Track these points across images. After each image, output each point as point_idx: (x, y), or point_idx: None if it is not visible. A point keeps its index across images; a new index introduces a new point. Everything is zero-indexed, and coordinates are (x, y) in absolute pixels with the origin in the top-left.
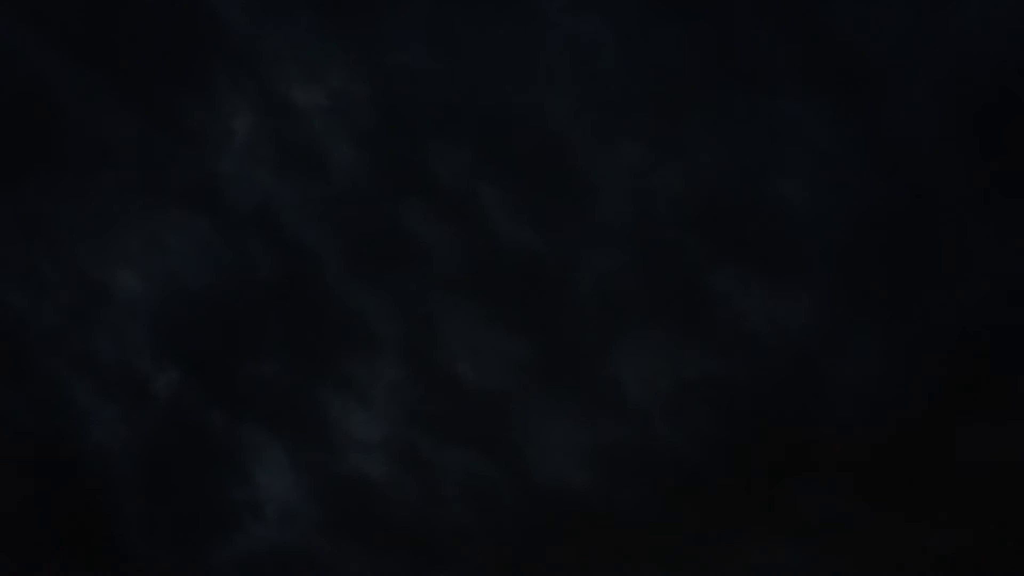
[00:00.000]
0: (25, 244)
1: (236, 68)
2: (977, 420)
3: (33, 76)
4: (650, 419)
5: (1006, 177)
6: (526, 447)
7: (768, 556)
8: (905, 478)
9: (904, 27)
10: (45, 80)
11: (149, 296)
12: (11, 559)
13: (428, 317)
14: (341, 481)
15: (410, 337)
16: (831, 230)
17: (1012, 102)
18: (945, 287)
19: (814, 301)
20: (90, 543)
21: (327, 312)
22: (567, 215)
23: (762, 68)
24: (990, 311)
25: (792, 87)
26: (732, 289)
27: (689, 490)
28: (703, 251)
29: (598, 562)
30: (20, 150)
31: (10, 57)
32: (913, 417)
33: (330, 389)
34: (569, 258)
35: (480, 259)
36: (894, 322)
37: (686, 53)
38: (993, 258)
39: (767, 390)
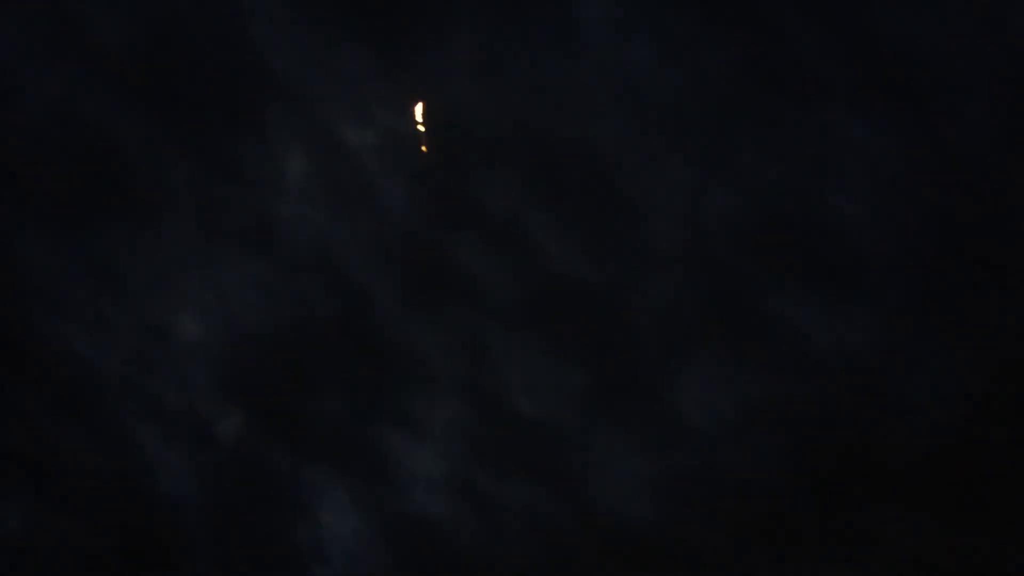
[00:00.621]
0: (92, 291)
1: (288, 111)
2: None
3: (95, 127)
4: (714, 446)
5: None
6: (588, 479)
7: None
8: (979, 496)
9: (957, 36)
10: (106, 130)
11: (211, 340)
12: None
13: (484, 350)
14: (403, 520)
15: (467, 371)
16: (892, 244)
17: None
18: (1012, 297)
19: (877, 317)
20: None
21: (385, 349)
22: (619, 240)
23: (813, 82)
24: None
25: (844, 100)
26: (792, 308)
27: (756, 517)
28: (760, 271)
29: None
30: (85, 199)
31: (73, 109)
32: (985, 433)
33: (390, 426)
34: (623, 284)
35: (534, 289)
36: (962, 336)
37: (733, 70)
38: None
39: (833, 411)
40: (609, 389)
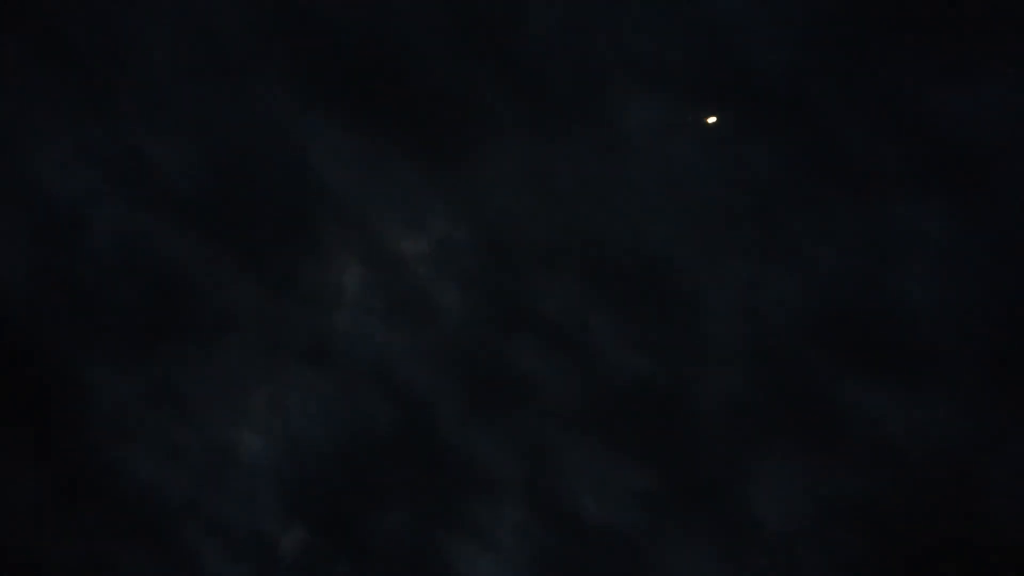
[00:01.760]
0: (156, 414)
1: (344, 227)
2: None
3: (158, 252)
4: (792, 546)
5: None
6: None
7: None
8: None
9: (1010, 115)
10: (168, 255)
11: (273, 456)
12: None
13: (548, 454)
14: None
15: (531, 476)
16: (962, 327)
17: None
18: None
19: (958, 402)
20: None
21: (447, 457)
22: (680, 337)
23: (867, 169)
24: None
25: (901, 185)
26: (864, 398)
27: None
28: (828, 361)
29: None
30: (149, 323)
31: (137, 236)
32: None
33: (455, 537)
34: (687, 381)
35: (595, 390)
36: None
37: (783, 162)
38: None
39: (920, 504)
40: (677, 490)
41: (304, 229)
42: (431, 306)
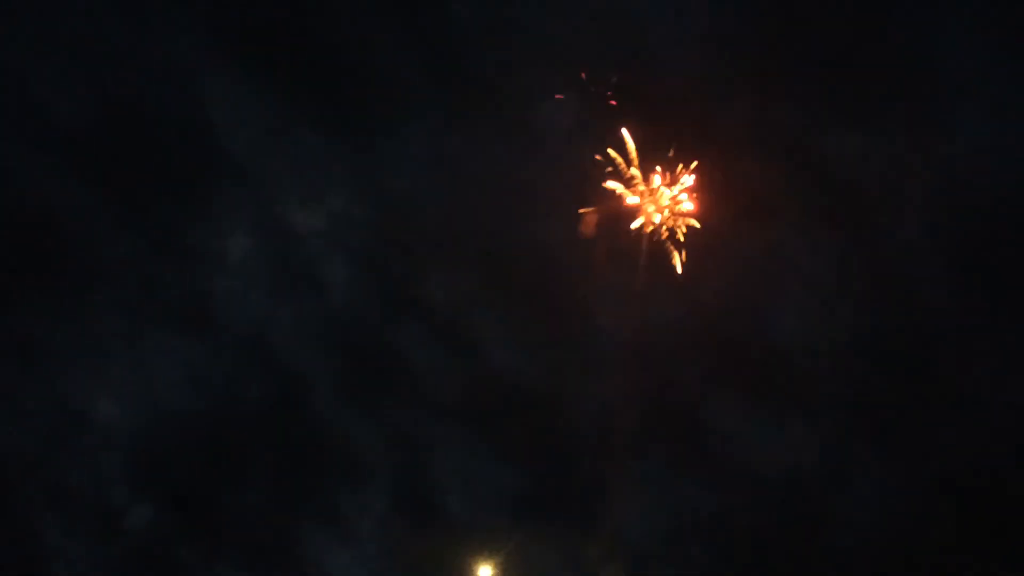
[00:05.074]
0: (10, 369)
1: (237, 190)
2: (983, 555)
3: (35, 196)
4: (647, 557)
5: (1003, 306)
6: None
7: None
8: None
9: (896, 158)
10: (46, 200)
11: (129, 425)
12: None
13: (418, 446)
14: None
15: (399, 467)
16: (827, 360)
17: (1008, 231)
18: (946, 416)
19: (812, 432)
20: None
21: (316, 440)
22: (563, 343)
23: (754, 199)
24: (992, 440)
25: (784, 217)
26: (728, 419)
27: None
28: (699, 381)
29: None
30: (16, 271)
31: (13, 177)
32: (916, 550)
33: (312, 523)
34: (564, 388)
35: (474, 386)
36: (895, 453)
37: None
38: (993, 386)
39: (766, 525)
40: (544, 492)
41: (195, 188)
42: (318, 282)
